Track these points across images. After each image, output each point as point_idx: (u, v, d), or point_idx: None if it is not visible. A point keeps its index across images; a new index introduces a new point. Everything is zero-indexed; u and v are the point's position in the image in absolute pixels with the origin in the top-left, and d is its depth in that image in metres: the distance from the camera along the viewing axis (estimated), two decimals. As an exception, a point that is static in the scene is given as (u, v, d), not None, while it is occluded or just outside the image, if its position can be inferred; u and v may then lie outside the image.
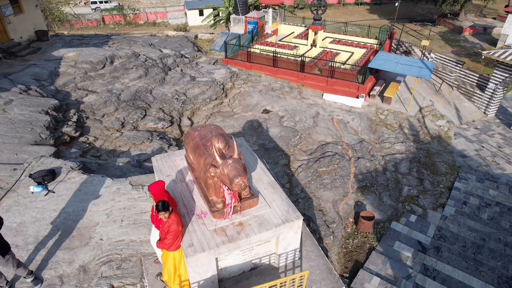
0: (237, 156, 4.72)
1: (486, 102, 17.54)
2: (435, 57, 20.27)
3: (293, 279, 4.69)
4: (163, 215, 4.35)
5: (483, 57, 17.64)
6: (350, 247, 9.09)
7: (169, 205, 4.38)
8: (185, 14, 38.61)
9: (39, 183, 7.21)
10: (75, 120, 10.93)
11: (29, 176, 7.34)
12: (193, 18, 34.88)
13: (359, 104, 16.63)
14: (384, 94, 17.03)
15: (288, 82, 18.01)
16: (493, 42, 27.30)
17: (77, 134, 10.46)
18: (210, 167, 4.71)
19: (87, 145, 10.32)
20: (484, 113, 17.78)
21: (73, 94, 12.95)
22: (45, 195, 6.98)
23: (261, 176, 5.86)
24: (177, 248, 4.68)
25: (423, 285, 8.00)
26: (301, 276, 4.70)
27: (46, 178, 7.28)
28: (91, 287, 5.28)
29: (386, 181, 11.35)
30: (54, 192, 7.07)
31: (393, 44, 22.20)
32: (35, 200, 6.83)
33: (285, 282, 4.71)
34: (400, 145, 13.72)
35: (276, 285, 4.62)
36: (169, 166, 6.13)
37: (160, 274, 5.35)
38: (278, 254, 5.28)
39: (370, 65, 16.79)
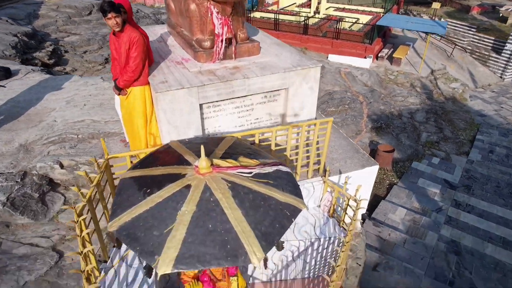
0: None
1: (503, 66, 16.33)
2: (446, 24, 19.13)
3: (311, 125, 3.35)
4: (113, 20, 2.97)
5: (500, 15, 16.47)
6: (366, 183, 7.72)
7: (119, 7, 3.04)
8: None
9: (-12, 79, 5.86)
10: (51, 50, 9.59)
11: (-23, 73, 5.99)
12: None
13: (367, 64, 15.39)
14: (393, 55, 15.83)
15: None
16: (503, 20, 26.19)
17: (52, 61, 9.12)
18: (194, -19, 3.39)
19: (64, 74, 8.97)
20: (501, 77, 16.55)
21: (52, 35, 11.63)
22: (-7, 89, 5.61)
23: (263, 39, 4.53)
24: (145, 81, 3.33)
25: (457, 218, 6.63)
26: (322, 123, 3.36)
27: (-3, 73, 5.93)
28: (32, 165, 3.90)
29: (403, 125, 10.03)
30: (5, 87, 5.70)
31: (400, 12, 21.09)
32: (-20, 93, 5.45)
33: (298, 128, 3.37)
34: (414, 98, 12.45)
35: (287, 129, 3.27)
36: (148, 33, 4.79)
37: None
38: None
39: (379, 23, 15.60)
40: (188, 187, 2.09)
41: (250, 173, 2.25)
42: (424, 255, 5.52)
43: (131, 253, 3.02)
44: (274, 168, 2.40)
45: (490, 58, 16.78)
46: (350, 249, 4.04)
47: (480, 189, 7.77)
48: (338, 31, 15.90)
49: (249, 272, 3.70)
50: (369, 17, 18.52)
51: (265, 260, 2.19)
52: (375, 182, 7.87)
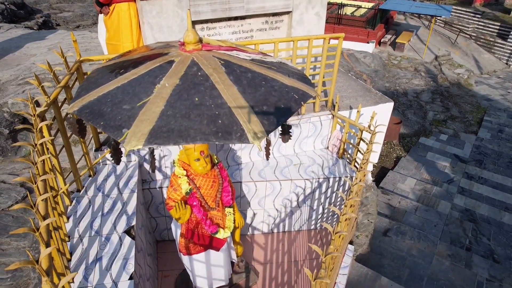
0: None
1: (509, 52, 15.95)
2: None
3: (320, 40, 2.93)
4: None
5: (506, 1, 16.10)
6: (372, 155, 7.31)
7: None
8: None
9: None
10: (41, 21, 9.17)
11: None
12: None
13: (370, 49, 14.98)
14: (396, 40, 15.45)
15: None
16: (507, 11, 25.89)
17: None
18: None
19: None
20: (506, 63, 16.17)
21: (44, 12, 11.22)
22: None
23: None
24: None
25: (470, 189, 6.21)
26: (332, 38, 2.94)
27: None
28: (3, 101, 3.47)
29: (409, 102, 9.63)
30: (-16, 39, 5.27)
31: None
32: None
33: (308, 40, 2.95)
34: (419, 79, 12.05)
35: (292, 43, 2.85)
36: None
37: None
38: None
39: (383, 7, 15.24)
40: (170, 62, 1.67)
41: (249, 57, 1.83)
42: (437, 222, 5.10)
43: (109, 181, 2.59)
44: (279, 60, 1.98)
45: (496, 44, 16.41)
46: (361, 201, 3.60)
47: (493, 164, 7.36)
48: (340, 17, 15.55)
49: (248, 221, 3.27)
50: (371, 4, 18.20)
51: (268, 144, 1.76)
52: (381, 155, 7.45)
